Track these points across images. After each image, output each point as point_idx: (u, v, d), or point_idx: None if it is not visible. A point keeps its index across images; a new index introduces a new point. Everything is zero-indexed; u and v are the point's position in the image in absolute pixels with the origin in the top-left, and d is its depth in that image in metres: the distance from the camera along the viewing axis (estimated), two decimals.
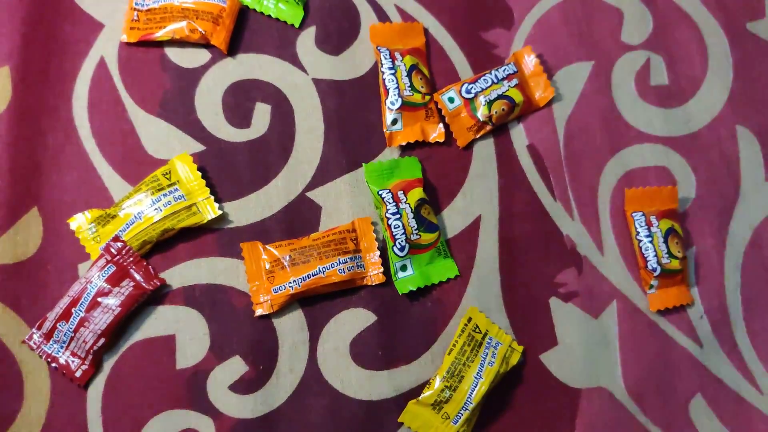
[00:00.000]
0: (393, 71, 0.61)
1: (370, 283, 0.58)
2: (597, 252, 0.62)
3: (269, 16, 0.64)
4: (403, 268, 0.58)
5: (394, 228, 0.57)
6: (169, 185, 0.58)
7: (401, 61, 0.62)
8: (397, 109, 0.61)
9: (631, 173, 0.64)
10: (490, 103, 0.61)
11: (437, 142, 0.62)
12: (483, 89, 0.62)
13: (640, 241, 0.60)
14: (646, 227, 0.60)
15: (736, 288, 0.62)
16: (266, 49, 0.63)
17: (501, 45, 0.66)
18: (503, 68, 0.63)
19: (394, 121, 0.61)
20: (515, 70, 0.63)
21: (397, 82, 0.61)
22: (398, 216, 0.57)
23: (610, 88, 0.66)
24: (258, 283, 0.57)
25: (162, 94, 0.61)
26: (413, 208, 0.58)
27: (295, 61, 0.63)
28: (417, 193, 0.59)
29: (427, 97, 0.62)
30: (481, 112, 0.61)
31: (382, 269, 0.58)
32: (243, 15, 0.64)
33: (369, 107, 0.63)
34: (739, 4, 0.69)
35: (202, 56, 0.63)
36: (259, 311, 0.57)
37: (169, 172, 0.58)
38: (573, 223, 0.62)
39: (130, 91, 0.61)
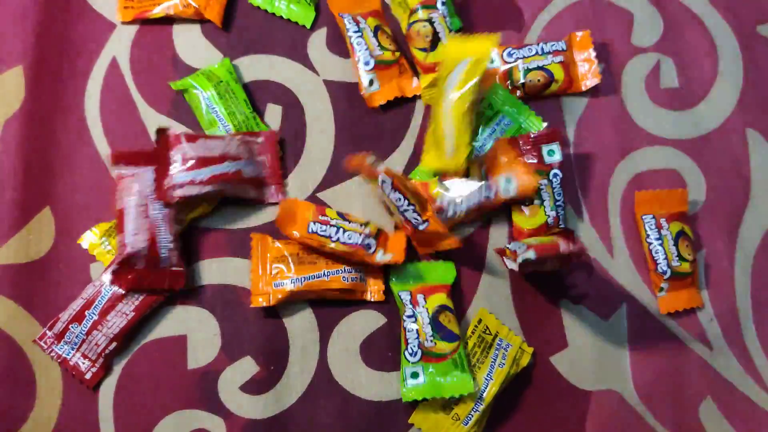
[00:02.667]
0: (359, 34, 0.61)
1: (369, 299, 0.58)
2: (607, 254, 0.62)
3: (281, 17, 0.64)
4: (414, 375, 0.54)
5: (408, 331, 0.55)
6: None
7: (365, 23, 0.62)
8: (370, 70, 0.61)
9: (641, 176, 0.64)
10: (527, 71, 0.62)
11: None
12: (525, 57, 0.62)
13: (650, 243, 0.60)
14: (657, 230, 0.60)
15: (746, 291, 0.62)
16: (277, 50, 0.64)
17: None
18: (552, 43, 0.63)
19: (371, 82, 0.61)
20: (564, 48, 0.63)
21: (365, 44, 0.61)
22: (413, 319, 0.55)
23: (621, 91, 0.66)
24: (260, 275, 0.57)
25: (173, 94, 0.61)
26: (430, 313, 0.56)
27: (307, 63, 0.63)
28: (438, 299, 0.56)
29: (397, 54, 0.62)
30: (515, 77, 0.62)
31: (383, 288, 0.58)
32: (255, 16, 0.64)
33: (379, 108, 0.63)
34: (749, 7, 0.69)
35: (214, 56, 0.63)
36: (256, 302, 0.56)
37: None
38: (583, 225, 0.62)
39: (142, 90, 0.61)
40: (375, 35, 0.61)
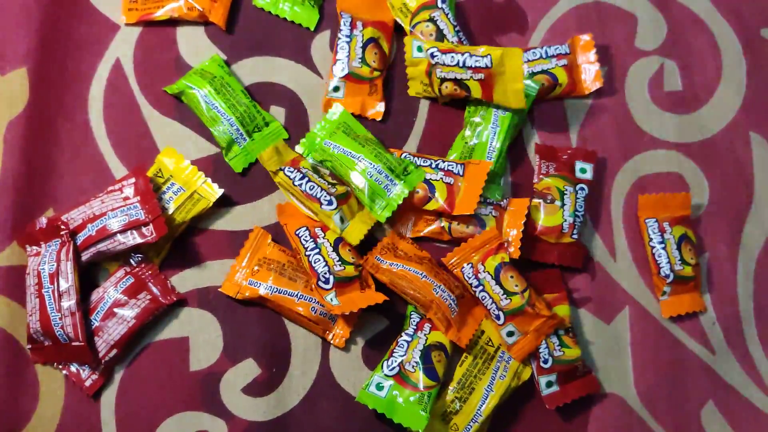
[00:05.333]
0: (348, 39, 0.61)
1: (328, 340, 0.57)
2: (609, 258, 0.62)
3: (284, 18, 0.64)
4: (379, 387, 0.53)
5: (398, 347, 0.55)
6: (165, 182, 0.58)
7: (360, 31, 0.62)
8: (341, 78, 0.61)
9: (644, 179, 0.64)
10: (532, 75, 0.62)
11: None
12: (529, 60, 0.63)
13: (653, 247, 0.60)
14: (659, 233, 0.60)
15: (749, 295, 0.62)
16: (281, 51, 0.64)
17: None
18: (556, 46, 0.63)
19: (336, 89, 0.61)
20: (568, 51, 0.63)
21: (348, 51, 0.61)
22: (409, 339, 0.55)
23: (624, 94, 0.66)
24: (242, 266, 0.57)
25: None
26: (426, 343, 0.55)
27: (310, 64, 0.63)
28: (441, 337, 0.55)
29: (376, 73, 0.62)
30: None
31: (348, 336, 0.57)
32: (258, 18, 0.64)
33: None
34: (753, 10, 0.69)
35: None
36: (225, 288, 0.57)
37: (160, 170, 0.58)
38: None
39: (146, 92, 0.62)
40: (363, 47, 0.61)
